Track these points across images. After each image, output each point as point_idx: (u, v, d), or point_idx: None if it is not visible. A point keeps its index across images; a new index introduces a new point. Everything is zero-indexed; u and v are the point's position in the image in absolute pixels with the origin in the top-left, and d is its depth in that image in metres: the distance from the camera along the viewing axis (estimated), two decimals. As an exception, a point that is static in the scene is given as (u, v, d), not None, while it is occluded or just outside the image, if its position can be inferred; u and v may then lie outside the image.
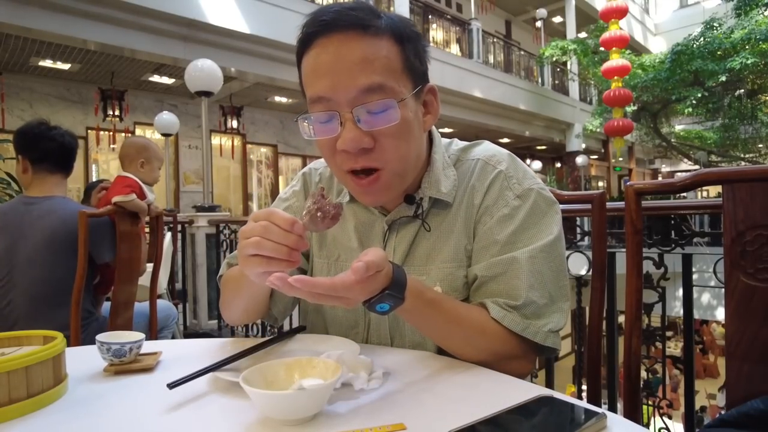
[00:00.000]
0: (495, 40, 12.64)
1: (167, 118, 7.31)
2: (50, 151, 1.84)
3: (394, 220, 0.85)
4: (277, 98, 9.81)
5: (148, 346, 0.80)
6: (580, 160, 14.18)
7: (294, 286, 0.57)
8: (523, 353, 0.76)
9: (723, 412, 0.73)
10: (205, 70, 4.53)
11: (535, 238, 0.78)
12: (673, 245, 1.78)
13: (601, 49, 10.57)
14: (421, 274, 0.82)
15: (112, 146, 8.35)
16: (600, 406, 0.60)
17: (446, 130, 12.53)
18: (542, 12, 13.83)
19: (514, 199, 0.80)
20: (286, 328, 2.50)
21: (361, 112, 0.71)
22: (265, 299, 0.87)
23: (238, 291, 0.83)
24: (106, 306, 2.00)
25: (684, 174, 0.89)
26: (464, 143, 0.91)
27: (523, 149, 16.34)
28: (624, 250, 0.96)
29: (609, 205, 1.07)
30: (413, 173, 0.81)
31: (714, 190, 9.50)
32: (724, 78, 10.25)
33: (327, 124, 0.73)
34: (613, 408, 1.99)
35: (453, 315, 0.73)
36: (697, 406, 7.16)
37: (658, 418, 1.92)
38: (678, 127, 14.22)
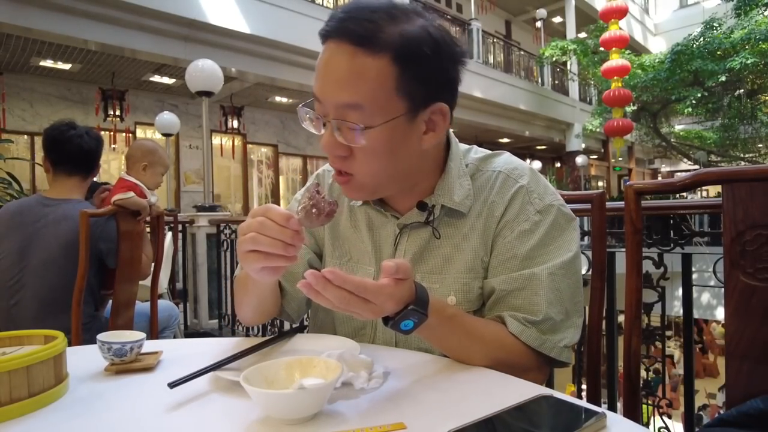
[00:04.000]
0: (495, 40, 12.65)
1: (168, 118, 7.32)
2: (68, 153, 1.86)
3: (405, 224, 0.85)
4: (278, 98, 9.82)
5: (149, 346, 0.80)
6: (579, 160, 14.18)
7: (327, 281, 0.58)
8: (537, 366, 0.77)
9: (723, 411, 0.73)
10: (205, 70, 4.53)
11: (554, 254, 0.79)
12: (673, 245, 1.78)
13: (601, 49, 10.57)
14: (435, 282, 0.82)
15: (112, 146, 8.35)
16: (600, 406, 0.61)
17: (446, 130, 12.51)
18: (542, 12, 13.83)
19: (535, 214, 0.80)
20: (286, 327, 2.50)
21: (338, 124, 0.72)
22: (273, 297, 0.87)
23: (245, 290, 0.84)
24: (108, 306, 2.00)
25: (684, 174, 0.89)
26: (484, 152, 0.90)
27: (523, 149, 16.35)
28: (624, 249, 0.96)
29: (609, 204, 1.07)
30: (397, 184, 0.81)
31: (714, 190, 9.50)
32: (723, 78, 10.24)
33: (317, 121, 0.76)
34: (612, 407, 1.99)
35: (472, 330, 0.74)
36: (698, 405, 7.16)
37: (657, 417, 1.92)
38: (678, 127, 14.21)
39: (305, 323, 0.98)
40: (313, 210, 0.64)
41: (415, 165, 0.80)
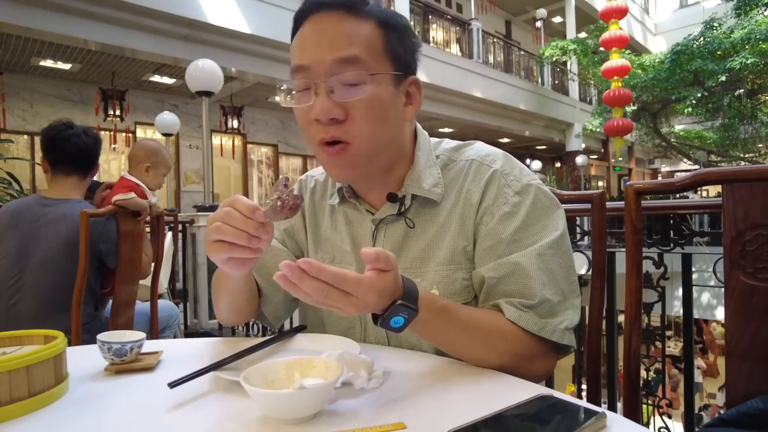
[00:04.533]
0: (495, 40, 12.64)
1: (168, 118, 7.31)
2: (65, 153, 1.86)
3: (380, 219, 0.85)
4: (278, 98, 9.80)
5: (149, 346, 0.80)
6: (579, 159, 14.17)
7: (303, 272, 0.55)
8: (543, 353, 0.75)
9: (723, 411, 0.73)
10: (205, 70, 4.53)
11: (540, 234, 0.77)
12: (673, 245, 1.78)
13: (601, 49, 10.57)
14: (416, 276, 0.81)
15: (113, 146, 8.35)
16: (600, 406, 0.61)
17: (446, 130, 12.52)
18: (542, 12, 13.83)
19: (514, 196, 0.79)
20: (287, 327, 2.50)
21: (334, 83, 0.73)
22: (246, 294, 0.87)
23: (219, 287, 0.85)
24: (108, 306, 2.00)
25: (684, 174, 0.89)
26: (455, 143, 0.90)
27: (523, 149, 16.34)
28: (624, 249, 0.96)
29: (609, 204, 1.07)
30: (388, 156, 0.81)
31: (714, 190, 9.50)
32: (723, 78, 10.24)
33: (303, 92, 0.75)
34: (612, 407, 1.99)
35: (468, 320, 0.71)
36: (698, 405, 7.16)
37: (657, 417, 1.92)
38: (678, 127, 14.21)
39: (305, 323, 0.98)
40: (278, 203, 0.64)
41: (398, 139, 0.82)
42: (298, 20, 0.78)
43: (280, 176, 0.92)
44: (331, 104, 0.73)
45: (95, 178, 2.11)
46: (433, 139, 0.91)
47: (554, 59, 12.73)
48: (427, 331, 0.70)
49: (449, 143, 0.90)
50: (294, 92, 0.77)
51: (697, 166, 13.02)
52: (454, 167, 0.85)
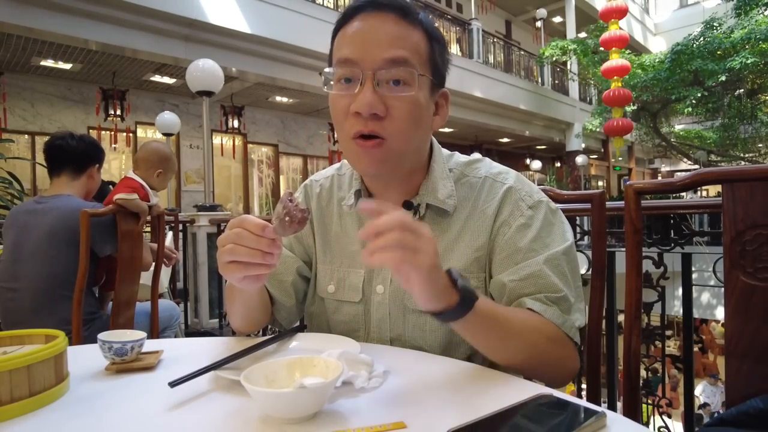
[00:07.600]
0: (495, 40, 12.64)
1: (168, 117, 7.31)
2: (55, 156, 1.98)
3: None
4: (278, 98, 9.82)
5: (150, 345, 0.80)
6: (579, 159, 14.17)
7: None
8: (572, 351, 0.77)
9: (722, 410, 0.74)
10: (206, 70, 4.53)
11: (553, 245, 0.81)
12: (673, 244, 1.78)
13: (601, 49, 10.55)
14: None
15: (113, 146, 8.36)
16: (599, 405, 0.61)
17: (446, 129, 12.52)
18: (542, 12, 13.82)
19: (528, 210, 0.83)
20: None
21: (382, 77, 0.75)
22: (261, 305, 0.88)
23: (232, 299, 0.86)
24: (109, 304, 2.02)
25: (684, 173, 0.89)
26: (466, 157, 0.94)
27: (523, 149, 16.34)
28: (624, 249, 0.96)
29: (609, 204, 1.07)
30: (412, 161, 0.84)
31: (714, 190, 9.50)
32: (723, 78, 10.22)
33: (347, 83, 0.78)
34: (612, 407, 1.99)
35: (504, 315, 0.71)
36: (698, 404, 7.16)
37: (657, 416, 1.93)
38: (678, 127, 14.19)
39: (311, 325, 0.98)
40: (286, 218, 0.66)
41: (423, 146, 0.85)
42: (349, 15, 0.79)
43: (284, 191, 0.90)
44: (375, 99, 0.75)
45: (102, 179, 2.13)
46: (445, 151, 0.93)
47: (554, 59, 12.72)
48: (471, 328, 0.69)
49: (461, 157, 0.93)
50: (333, 82, 0.79)
51: (697, 166, 13.02)
52: (466, 182, 0.88)
